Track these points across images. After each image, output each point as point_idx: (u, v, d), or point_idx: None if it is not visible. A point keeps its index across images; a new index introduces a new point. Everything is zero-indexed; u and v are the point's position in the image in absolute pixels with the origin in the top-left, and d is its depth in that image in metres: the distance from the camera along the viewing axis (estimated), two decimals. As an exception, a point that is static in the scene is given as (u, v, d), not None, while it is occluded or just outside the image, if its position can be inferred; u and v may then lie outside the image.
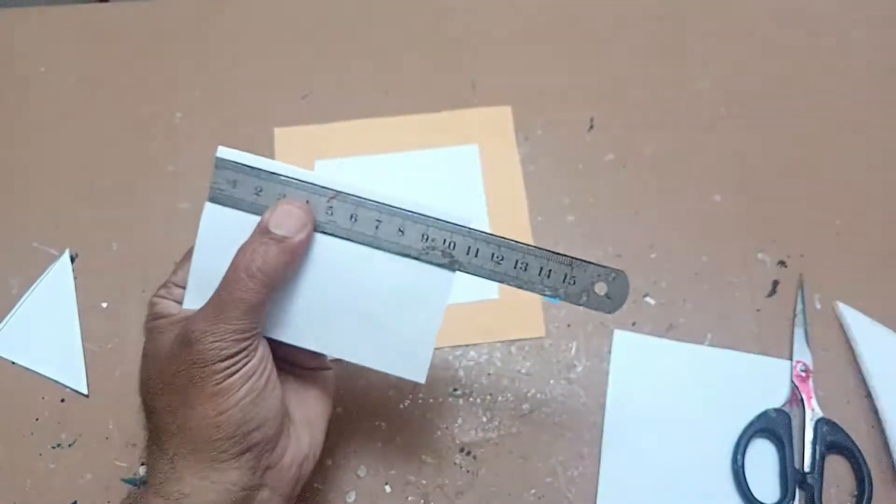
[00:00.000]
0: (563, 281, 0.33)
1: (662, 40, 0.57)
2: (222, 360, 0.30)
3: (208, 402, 0.30)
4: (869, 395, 0.44)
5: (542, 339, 0.46)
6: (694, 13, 0.58)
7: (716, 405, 0.44)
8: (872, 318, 0.46)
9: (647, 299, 0.47)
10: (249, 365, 0.31)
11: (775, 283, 0.47)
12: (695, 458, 0.42)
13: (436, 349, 0.46)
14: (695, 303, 0.47)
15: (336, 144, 0.52)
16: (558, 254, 0.33)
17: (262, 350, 0.32)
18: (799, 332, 0.45)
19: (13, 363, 0.45)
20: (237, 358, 0.30)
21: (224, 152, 0.33)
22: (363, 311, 0.34)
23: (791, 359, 0.45)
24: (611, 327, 0.46)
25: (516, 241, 0.33)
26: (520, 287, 0.33)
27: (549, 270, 0.33)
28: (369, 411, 0.44)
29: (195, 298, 0.33)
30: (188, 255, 0.34)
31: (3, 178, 0.51)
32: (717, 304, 0.47)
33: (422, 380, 0.34)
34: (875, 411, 0.43)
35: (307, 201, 0.32)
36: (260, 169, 0.33)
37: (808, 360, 0.44)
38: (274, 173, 0.33)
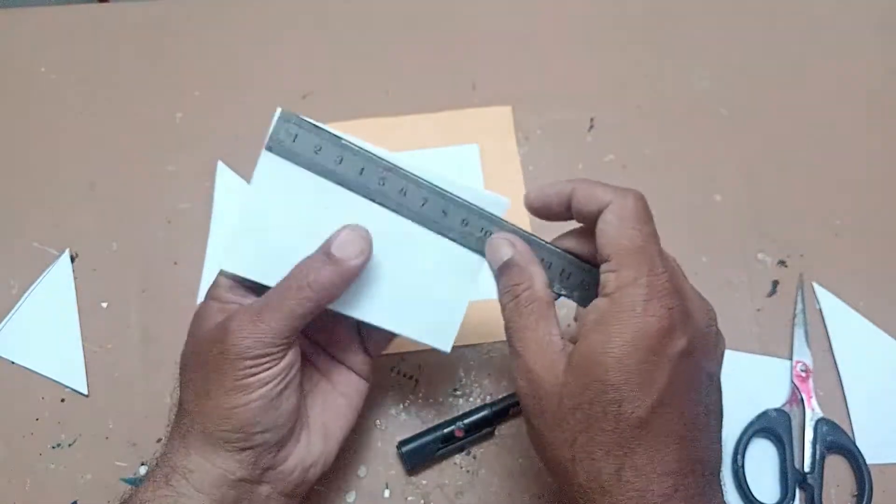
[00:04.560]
0: (580, 284, 0.34)
1: (662, 40, 0.57)
2: (246, 359, 0.31)
3: (224, 394, 0.31)
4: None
5: (542, 339, 0.46)
6: (693, 13, 0.58)
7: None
8: (872, 318, 0.46)
9: (647, 299, 0.47)
10: (269, 372, 0.31)
11: (775, 283, 0.47)
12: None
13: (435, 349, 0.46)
14: (695, 303, 0.47)
15: (336, 144, 0.52)
16: (580, 258, 0.34)
17: (290, 359, 0.32)
18: (799, 332, 0.45)
19: (13, 363, 0.45)
20: (260, 361, 0.31)
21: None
22: (401, 282, 0.35)
23: (791, 359, 0.45)
24: (611, 327, 0.46)
25: (544, 241, 0.34)
26: None
27: (570, 273, 0.34)
28: (369, 411, 0.44)
29: (235, 254, 0.34)
30: None
31: (4, 178, 0.51)
32: (717, 304, 0.47)
33: (447, 349, 0.36)
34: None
35: (362, 169, 0.33)
36: (322, 129, 0.33)
37: (809, 360, 0.44)
38: (336, 136, 0.33)
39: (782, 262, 0.48)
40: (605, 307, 0.29)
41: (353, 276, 0.33)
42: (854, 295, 0.47)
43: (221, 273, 0.35)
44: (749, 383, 0.44)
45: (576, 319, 0.32)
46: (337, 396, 0.37)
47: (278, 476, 0.33)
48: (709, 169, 0.51)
